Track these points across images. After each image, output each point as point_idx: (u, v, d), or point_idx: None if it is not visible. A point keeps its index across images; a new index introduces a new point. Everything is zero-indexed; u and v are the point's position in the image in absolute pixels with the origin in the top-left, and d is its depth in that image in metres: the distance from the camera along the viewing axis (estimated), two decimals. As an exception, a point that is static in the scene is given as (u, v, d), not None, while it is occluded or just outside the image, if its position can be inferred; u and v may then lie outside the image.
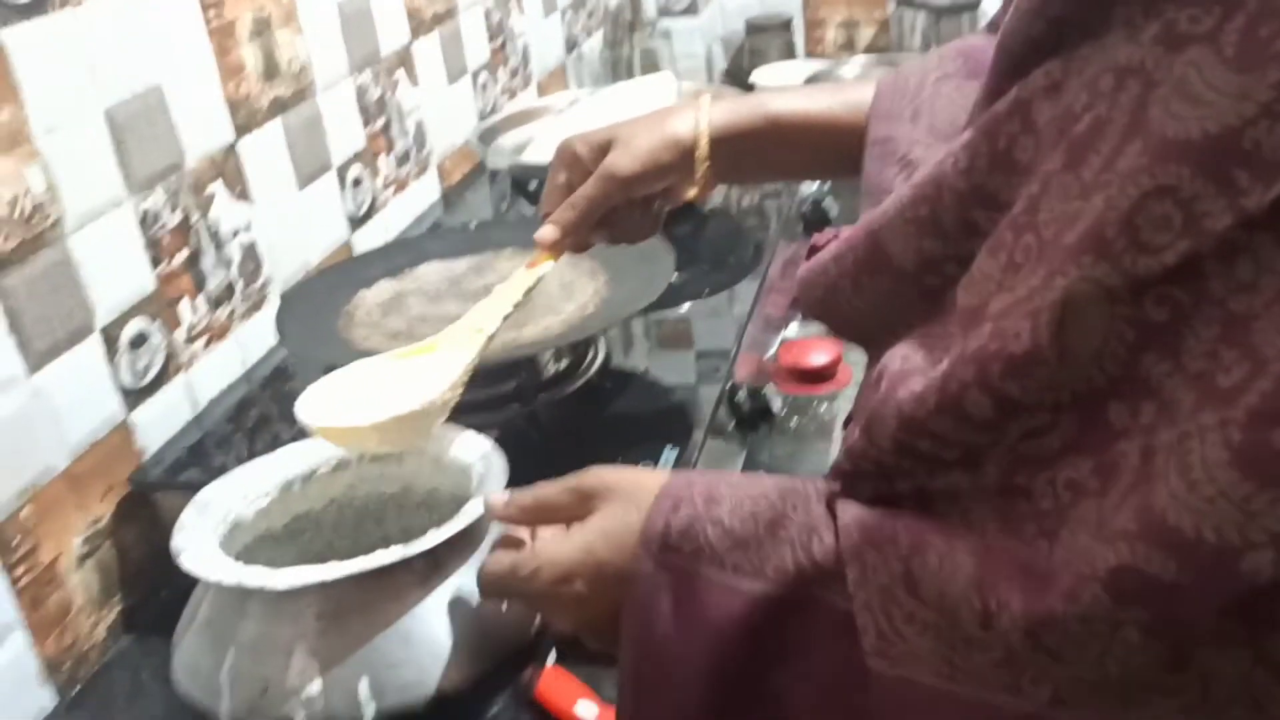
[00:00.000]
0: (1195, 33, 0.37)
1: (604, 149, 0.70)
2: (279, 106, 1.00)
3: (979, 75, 0.50)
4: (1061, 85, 0.43)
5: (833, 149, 0.69)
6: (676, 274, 0.88)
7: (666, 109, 0.72)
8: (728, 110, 0.69)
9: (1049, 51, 0.46)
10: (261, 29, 0.98)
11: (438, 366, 0.67)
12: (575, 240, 0.71)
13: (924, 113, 0.62)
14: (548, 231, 0.71)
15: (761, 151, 0.70)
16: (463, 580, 0.61)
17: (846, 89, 0.70)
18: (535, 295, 0.85)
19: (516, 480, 0.65)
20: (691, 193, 0.72)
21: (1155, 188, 0.37)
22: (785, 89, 0.72)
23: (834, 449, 0.98)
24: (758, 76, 1.75)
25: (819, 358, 0.95)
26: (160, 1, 0.85)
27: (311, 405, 0.65)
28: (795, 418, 0.94)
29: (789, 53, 1.91)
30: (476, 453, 0.67)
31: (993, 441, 0.42)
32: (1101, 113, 0.40)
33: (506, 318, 0.70)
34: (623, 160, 0.69)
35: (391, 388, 0.66)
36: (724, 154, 0.69)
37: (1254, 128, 0.34)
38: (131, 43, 0.83)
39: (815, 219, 1.26)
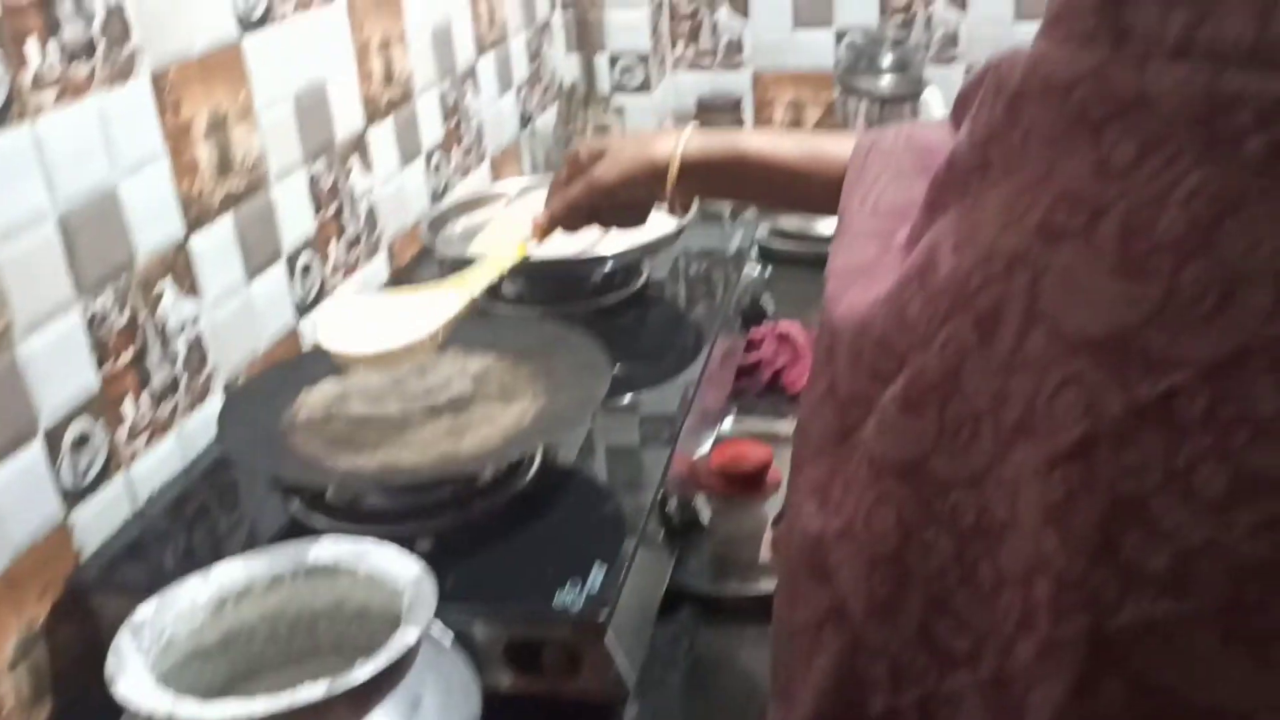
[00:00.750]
0: (1070, 229, 0.41)
1: (597, 157, 0.88)
2: (231, 200, 1.02)
3: (928, 173, 0.55)
4: (960, 247, 0.47)
5: (790, 191, 0.85)
6: (617, 365, 0.93)
7: (658, 132, 0.93)
8: (703, 142, 0.84)
9: (958, 198, 0.50)
10: (217, 125, 1.00)
11: (433, 305, 0.88)
12: (565, 226, 0.91)
13: (870, 199, 0.67)
14: (540, 217, 0.91)
15: (727, 180, 0.86)
16: (389, 711, 0.63)
17: (816, 141, 0.83)
18: (475, 401, 0.88)
19: (447, 595, 0.68)
20: (665, 208, 0.90)
21: (1066, 377, 0.40)
22: (763, 130, 0.90)
23: (764, 551, 1.01)
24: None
25: (749, 463, 0.98)
26: (119, 107, 0.88)
27: (328, 327, 0.86)
28: (725, 524, 0.97)
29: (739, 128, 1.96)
30: (407, 577, 0.69)
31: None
32: (1000, 293, 0.43)
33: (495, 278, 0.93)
34: (605, 171, 0.87)
35: (395, 319, 0.86)
36: (694, 178, 0.84)
37: (1143, 331, 0.38)
38: (88, 148, 0.85)
39: (753, 314, 1.30)
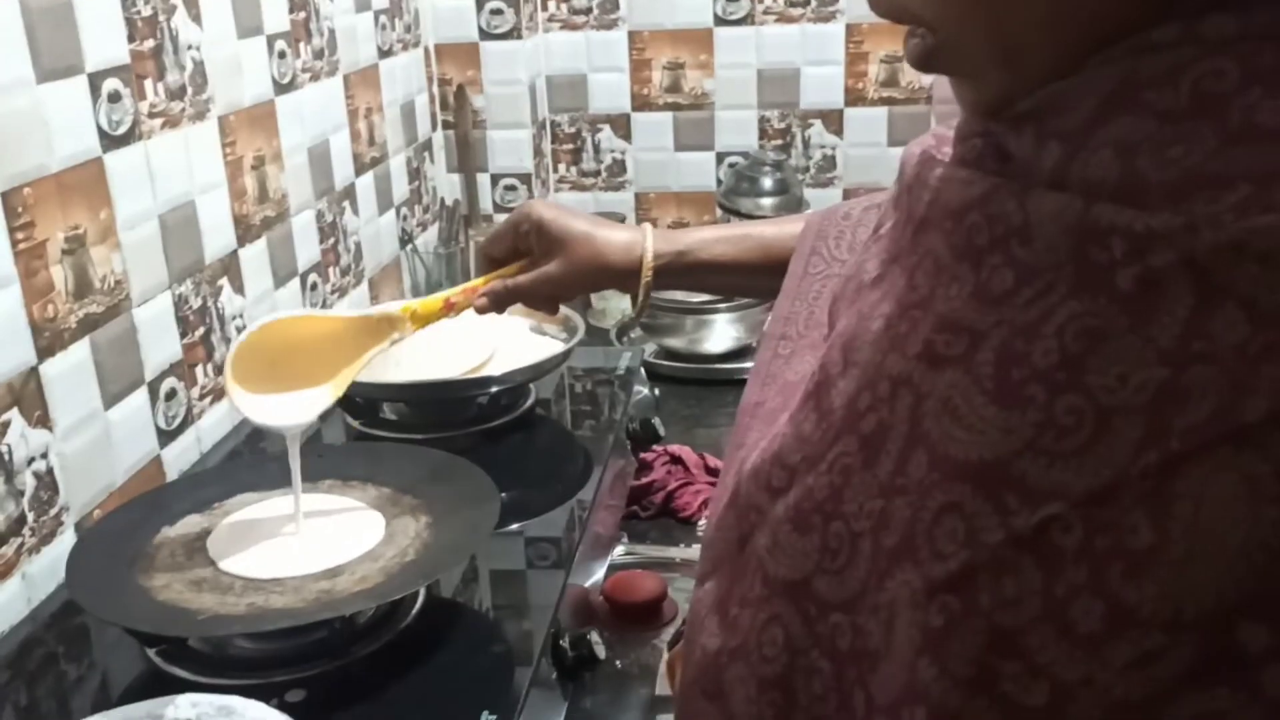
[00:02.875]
0: (950, 355, 0.41)
1: (549, 249, 0.86)
2: (89, 325, 0.96)
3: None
4: (845, 374, 0.47)
5: (749, 286, 0.94)
6: (504, 493, 0.89)
7: (612, 234, 0.87)
8: (660, 247, 0.85)
9: (848, 309, 0.49)
10: (74, 247, 0.94)
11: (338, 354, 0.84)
12: (501, 309, 0.88)
13: (800, 305, 0.69)
14: (482, 303, 0.87)
15: (684, 280, 0.89)
16: None
17: (762, 232, 0.86)
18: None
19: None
20: (632, 306, 0.89)
21: (946, 503, 0.39)
22: (705, 228, 0.90)
23: (660, 685, 0.96)
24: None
25: (644, 593, 0.94)
26: (-38, 225, 0.82)
27: (239, 364, 0.80)
28: (619, 660, 0.92)
29: (622, 251, 1.96)
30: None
31: None
32: (884, 416, 0.44)
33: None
34: (560, 273, 0.86)
35: (303, 360, 0.83)
36: (652, 280, 0.85)
37: (1020, 459, 0.37)
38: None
39: (644, 435, 1.27)
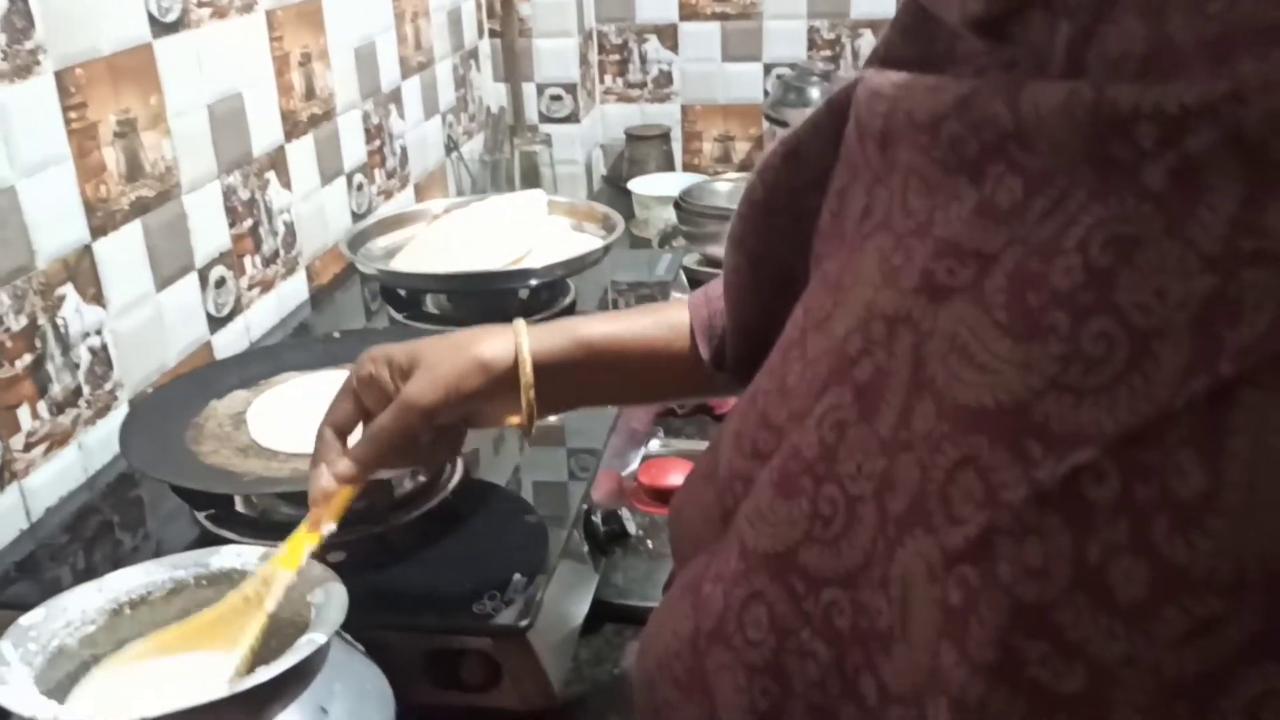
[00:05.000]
0: (955, 285, 0.36)
1: (406, 372, 0.64)
2: (140, 208, 0.99)
3: None
4: (832, 318, 0.42)
5: (650, 371, 0.67)
6: None
7: (478, 331, 0.66)
8: (541, 336, 0.65)
9: (836, 247, 0.45)
10: (126, 131, 0.96)
11: (203, 666, 0.62)
12: (375, 471, 0.64)
13: None
14: (344, 468, 0.63)
15: (578, 378, 0.66)
16: (295, 716, 0.60)
17: (661, 310, 0.69)
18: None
19: (362, 606, 0.64)
20: (513, 420, 0.66)
21: (960, 458, 0.34)
22: (597, 315, 0.69)
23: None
24: (634, 185, 1.79)
25: (676, 477, 0.96)
26: (18, 100, 0.84)
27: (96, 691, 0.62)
28: (650, 539, 0.94)
29: (667, 163, 1.96)
30: (316, 582, 0.66)
31: None
32: (882, 362, 0.38)
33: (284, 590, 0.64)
34: (424, 388, 0.63)
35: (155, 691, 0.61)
36: (541, 380, 0.64)
37: (1043, 400, 0.32)
38: (-16, 143, 0.81)
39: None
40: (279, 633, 0.65)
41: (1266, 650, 0.29)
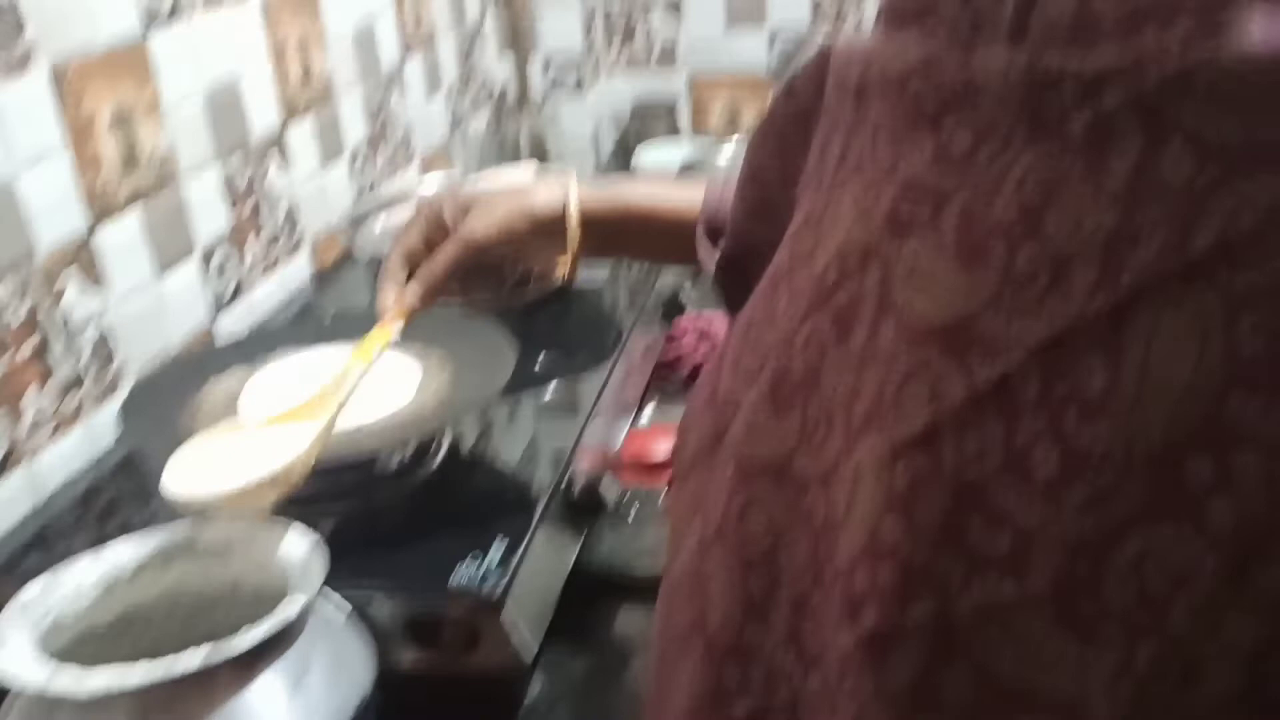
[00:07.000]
0: (915, 221, 0.41)
1: (463, 211, 0.77)
2: (139, 195, 1.02)
3: None
4: (814, 252, 0.47)
5: (678, 237, 0.76)
6: (542, 356, 0.94)
7: (534, 184, 0.79)
8: (587, 194, 0.77)
9: (815, 189, 0.49)
10: (122, 120, 1.00)
11: (292, 435, 0.73)
12: (434, 298, 0.78)
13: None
14: (413, 290, 0.77)
15: (615, 233, 0.78)
16: (274, 681, 0.63)
17: (700, 186, 0.76)
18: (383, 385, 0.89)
19: (347, 573, 0.69)
20: (560, 270, 0.80)
21: (912, 366, 0.40)
22: (640, 180, 0.81)
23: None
24: (641, 155, 1.80)
25: (659, 451, 0.99)
26: (13, 98, 0.88)
27: (176, 472, 0.71)
28: (634, 507, 0.98)
29: (674, 132, 1.98)
30: (298, 552, 0.69)
31: None
32: (855, 290, 0.44)
33: (360, 379, 0.77)
34: (480, 225, 0.77)
35: (249, 455, 0.73)
36: (586, 232, 0.76)
37: (983, 316, 0.38)
38: (-19, 139, 0.85)
39: (672, 308, 1.31)
40: (272, 600, 0.68)
41: (1149, 516, 0.35)
